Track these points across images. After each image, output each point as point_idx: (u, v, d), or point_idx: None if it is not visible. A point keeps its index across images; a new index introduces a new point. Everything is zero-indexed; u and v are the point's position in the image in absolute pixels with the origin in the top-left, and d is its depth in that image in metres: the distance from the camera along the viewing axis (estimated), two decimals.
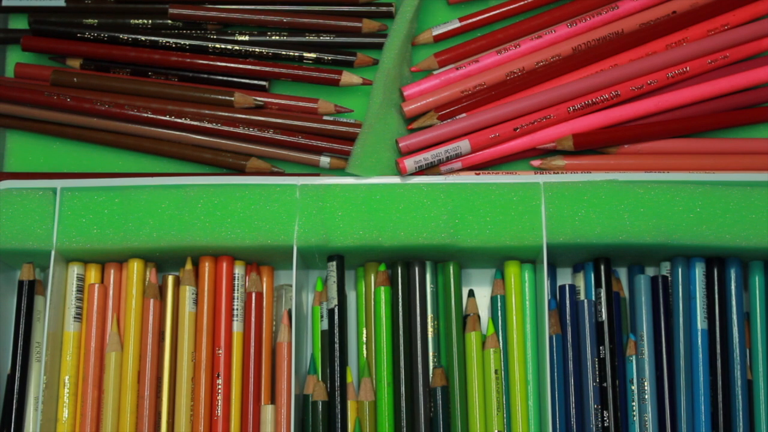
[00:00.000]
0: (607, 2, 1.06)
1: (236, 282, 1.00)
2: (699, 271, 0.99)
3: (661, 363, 0.98)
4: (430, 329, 0.99)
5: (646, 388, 0.97)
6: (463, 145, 1.02)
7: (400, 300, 1.00)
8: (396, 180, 0.99)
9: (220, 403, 0.98)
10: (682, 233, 0.97)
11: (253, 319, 0.99)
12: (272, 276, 1.01)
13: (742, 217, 0.97)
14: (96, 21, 1.07)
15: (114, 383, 0.97)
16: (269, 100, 1.05)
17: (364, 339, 1.00)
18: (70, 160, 1.07)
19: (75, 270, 1.00)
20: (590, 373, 0.97)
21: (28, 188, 0.99)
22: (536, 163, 1.04)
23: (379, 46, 1.07)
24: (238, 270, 1.00)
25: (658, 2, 1.06)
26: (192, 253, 1.00)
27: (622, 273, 1.03)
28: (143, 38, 1.06)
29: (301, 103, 1.06)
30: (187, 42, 1.06)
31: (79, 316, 0.99)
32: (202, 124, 1.04)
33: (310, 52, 1.06)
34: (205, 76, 1.07)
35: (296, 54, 1.06)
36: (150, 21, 1.08)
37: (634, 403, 0.97)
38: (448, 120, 1.03)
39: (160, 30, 1.08)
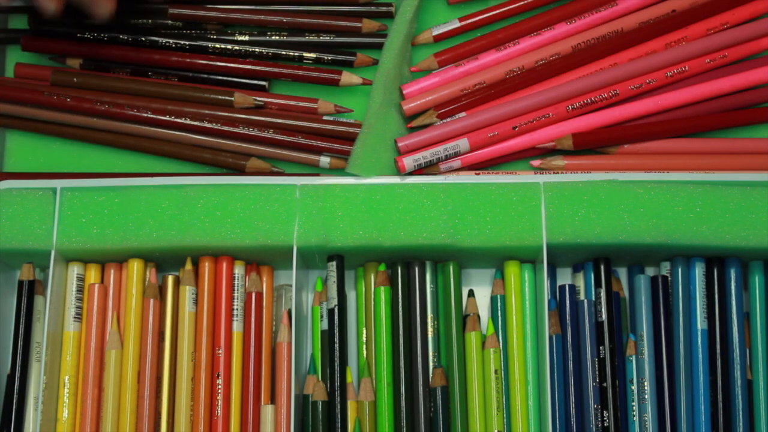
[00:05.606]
0: (606, 1, 1.06)
1: (236, 282, 1.00)
2: (699, 271, 0.99)
3: (661, 363, 0.98)
4: (430, 329, 0.99)
5: (646, 388, 0.97)
6: (462, 143, 1.02)
7: (400, 300, 1.00)
8: (396, 180, 0.99)
9: (220, 403, 0.98)
10: (682, 233, 0.97)
11: (253, 319, 0.99)
12: (272, 276, 1.01)
13: (742, 217, 0.97)
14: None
15: (114, 382, 0.97)
16: (269, 100, 1.05)
17: (364, 339, 1.00)
18: (70, 160, 1.07)
19: (75, 270, 1.00)
20: (590, 373, 0.97)
21: (28, 188, 0.99)
22: (536, 163, 1.04)
23: (379, 46, 1.07)
24: (238, 270, 1.00)
25: (657, 0, 1.06)
26: (192, 253, 1.00)
27: (622, 273, 1.03)
28: (143, 38, 1.06)
29: (301, 103, 1.06)
30: (187, 42, 1.06)
31: (79, 316, 0.99)
32: (202, 124, 1.04)
33: (310, 52, 1.06)
34: (205, 76, 1.07)
35: (296, 54, 1.06)
36: (150, 21, 1.08)
37: (634, 403, 0.97)
38: (448, 119, 1.03)
39: (160, 30, 1.08)
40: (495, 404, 0.97)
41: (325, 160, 1.04)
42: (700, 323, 0.99)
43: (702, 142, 1.04)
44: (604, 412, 0.97)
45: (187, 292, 0.99)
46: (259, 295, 1.00)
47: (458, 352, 0.99)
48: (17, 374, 0.98)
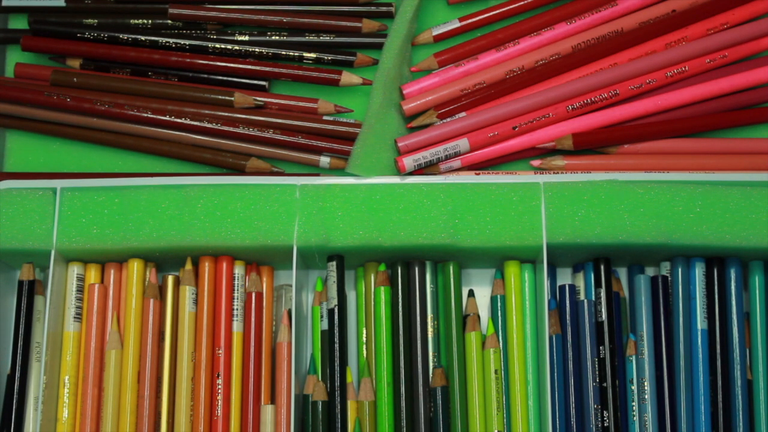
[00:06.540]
0: (606, 1, 1.06)
1: (236, 282, 1.00)
2: (699, 271, 0.99)
3: (661, 363, 0.98)
4: (430, 329, 0.99)
5: (646, 388, 0.97)
6: (462, 143, 1.02)
7: (400, 300, 1.00)
8: (396, 180, 0.99)
9: (220, 403, 0.98)
10: (682, 233, 0.97)
11: (253, 319, 0.99)
12: (272, 276, 1.01)
13: (742, 217, 0.97)
14: (96, 21, 1.08)
15: (114, 382, 0.97)
16: (269, 100, 1.05)
17: (364, 339, 1.00)
18: (70, 160, 1.07)
19: (75, 270, 1.00)
20: (590, 373, 0.97)
21: (28, 188, 0.99)
22: (536, 163, 1.04)
23: (379, 46, 1.07)
24: (238, 270, 1.00)
25: (657, 0, 1.07)
26: (192, 253, 1.00)
27: (622, 273, 1.03)
28: (143, 38, 1.06)
29: (301, 103, 1.06)
30: (187, 42, 1.06)
31: (79, 316, 0.99)
32: (202, 124, 1.04)
33: (310, 52, 1.06)
34: (205, 76, 1.07)
35: (296, 54, 1.06)
36: (150, 21, 1.08)
37: (634, 403, 0.97)
38: (448, 119, 1.03)
39: (160, 30, 1.08)
40: (495, 404, 0.97)
41: (325, 160, 1.04)
42: (700, 323, 0.99)
43: (702, 142, 1.04)
44: (604, 412, 0.97)
45: (187, 292, 0.99)
46: (259, 295, 1.00)
47: (458, 352, 0.99)
48: (17, 374, 0.98)
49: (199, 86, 1.06)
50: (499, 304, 1.00)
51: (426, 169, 1.02)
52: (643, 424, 0.97)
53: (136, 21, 1.08)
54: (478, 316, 1.00)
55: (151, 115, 1.04)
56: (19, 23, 1.10)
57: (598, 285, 0.99)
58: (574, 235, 0.97)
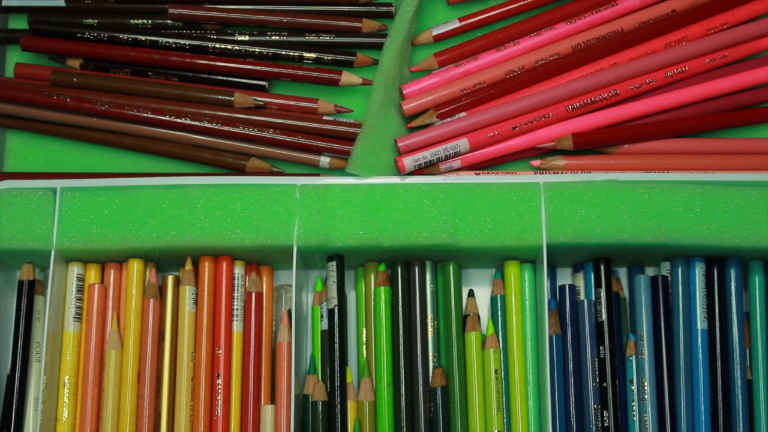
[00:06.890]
0: (606, 1, 1.06)
1: (236, 282, 1.00)
2: (699, 271, 0.99)
3: (661, 363, 0.98)
4: (430, 329, 0.99)
5: (646, 388, 0.97)
6: (462, 143, 1.02)
7: (400, 300, 1.00)
8: (396, 180, 0.99)
9: (220, 403, 0.98)
10: (682, 233, 0.97)
11: (253, 319, 0.99)
12: (272, 276, 1.01)
13: (742, 217, 0.97)
14: (96, 21, 1.08)
15: (114, 382, 0.97)
16: (269, 100, 1.05)
17: (364, 339, 1.00)
18: (70, 160, 1.07)
19: (75, 270, 1.00)
20: (590, 373, 0.97)
21: (28, 188, 0.99)
22: (536, 163, 1.04)
23: (379, 46, 1.07)
24: (238, 270, 1.00)
25: (657, 0, 1.07)
26: (192, 253, 1.00)
27: (622, 273, 1.03)
28: (143, 38, 1.06)
29: (301, 103, 1.06)
30: (187, 42, 1.06)
31: (79, 316, 0.99)
32: (202, 124, 1.04)
33: (310, 52, 1.06)
34: (205, 76, 1.07)
35: (296, 54, 1.06)
36: (150, 21, 1.08)
37: (634, 403, 0.97)
38: (448, 119, 1.03)
39: (160, 30, 1.08)
40: (495, 404, 0.97)
41: (325, 160, 1.04)
42: (700, 323, 0.99)
43: (702, 142, 1.04)
44: (604, 412, 0.97)
45: (187, 292, 0.99)
46: (259, 295, 1.00)
47: (458, 352, 0.99)
48: (17, 374, 0.98)
49: (199, 86, 1.06)
50: (499, 304, 1.00)
51: (426, 169, 1.02)
52: (643, 424, 0.97)
53: (136, 21, 1.08)
54: (478, 316, 1.00)
55: (151, 115, 1.04)
56: (19, 23, 1.11)
57: (598, 285, 0.99)
58: (574, 235, 0.97)
